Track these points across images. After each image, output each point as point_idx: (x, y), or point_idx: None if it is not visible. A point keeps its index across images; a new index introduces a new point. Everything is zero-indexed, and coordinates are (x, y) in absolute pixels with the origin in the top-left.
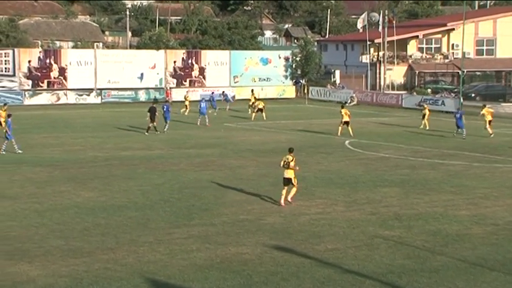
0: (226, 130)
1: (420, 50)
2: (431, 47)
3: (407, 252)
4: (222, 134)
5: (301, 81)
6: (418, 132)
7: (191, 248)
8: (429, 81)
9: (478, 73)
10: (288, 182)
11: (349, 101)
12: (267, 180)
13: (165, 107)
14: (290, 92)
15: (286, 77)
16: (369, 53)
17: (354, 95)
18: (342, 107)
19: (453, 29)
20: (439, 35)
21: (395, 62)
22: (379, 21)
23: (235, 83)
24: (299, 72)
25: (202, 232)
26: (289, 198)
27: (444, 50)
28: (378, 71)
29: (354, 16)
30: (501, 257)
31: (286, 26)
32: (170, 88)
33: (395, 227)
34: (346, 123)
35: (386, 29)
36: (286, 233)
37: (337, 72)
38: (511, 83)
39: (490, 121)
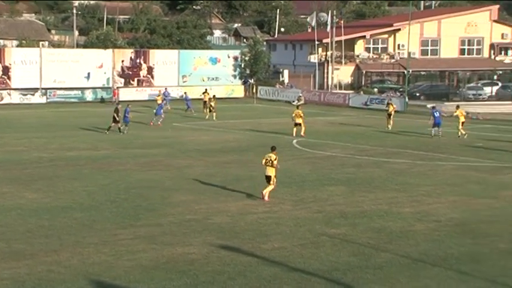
0: (174, 130)
1: (367, 50)
2: (378, 47)
3: (352, 249)
4: (169, 134)
5: (249, 80)
6: (363, 131)
7: (137, 248)
8: (376, 81)
9: (422, 73)
10: (268, 179)
11: (296, 101)
12: (214, 180)
13: (127, 109)
14: (239, 91)
15: (235, 76)
16: (317, 53)
17: (301, 94)
18: (297, 107)
19: (399, 30)
20: (386, 35)
21: (343, 62)
22: (327, 21)
23: (183, 82)
24: (248, 71)
25: (149, 233)
26: (266, 197)
27: (390, 50)
28: (325, 70)
29: (302, 16)
30: (443, 252)
31: (236, 25)
32: (118, 88)
33: (341, 225)
34: (299, 124)
35: (334, 29)
36: (233, 232)
37: (286, 72)
38: (454, 83)
39: (462, 122)
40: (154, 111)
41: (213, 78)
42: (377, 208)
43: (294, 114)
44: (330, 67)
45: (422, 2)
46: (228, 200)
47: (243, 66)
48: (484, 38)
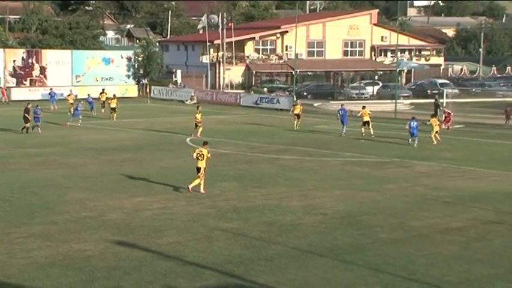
0: (69, 129)
1: (257, 51)
2: (267, 48)
3: (244, 242)
4: (64, 133)
5: (143, 80)
6: (254, 129)
7: (32, 246)
8: (265, 81)
9: (309, 73)
10: (198, 170)
11: (189, 100)
12: (109, 178)
13: (36, 110)
14: (132, 91)
15: (128, 76)
16: (209, 54)
17: (194, 94)
18: (198, 107)
19: (287, 32)
20: (274, 37)
21: (234, 62)
22: (218, 23)
23: (77, 82)
24: (141, 71)
25: (44, 230)
26: (190, 186)
27: (279, 51)
28: (217, 70)
29: (194, 18)
30: (329, 243)
31: (128, 26)
32: (7, 88)
33: (234, 219)
34: (197, 123)
35: (225, 31)
36: (128, 229)
37: (179, 72)
38: (339, 83)
39: (436, 131)
40: (71, 112)
41: (107, 78)
42: (268, 203)
43: (197, 116)
44: (221, 67)
45: (307, 5)
46: (123, 197)
47: (136, 66)
48: (365, 40)
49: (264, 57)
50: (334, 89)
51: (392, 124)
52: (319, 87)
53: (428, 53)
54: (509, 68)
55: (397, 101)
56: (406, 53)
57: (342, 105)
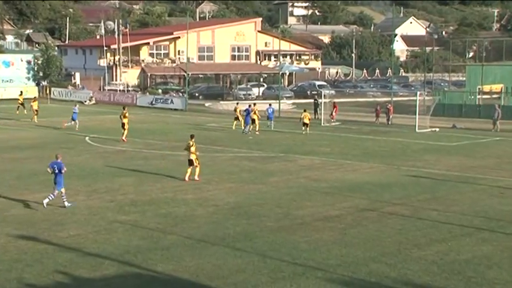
0: None
1: (151, 55)
2: (161, 53)
3: (142, 234)
4: None
5: (43, 82)
6: (150, 127)
7: None
8: (160, 83)
9: (200, 75)
10: (191, 162)
11: (88, 101)
12: (11, 175)
13: None
14: (33, 92)
15: (28, 78)
16: (106, 57)
17: (93, 95)
18: (124, 108)
19: (179, 37)
20: (167, 42)
21: (130, 66)
22: (114, 29)
23: None
24: (41, 74)
25: None
26: (196, 177)
27: (172, 55)
28: (114, 73)
29: (91, 24)
30: (221, 232)
31: (28, 31)
32: None
33: (132, 212)
34: (123, 125)
35: (121, 36)
36: (30, 223)
37: (77, 75)
38: (228, 84)
39: (306, 124)
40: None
41: (7, 81)
42: (164, 196)
43: (124, 119)
44: (118, 70)
45: (197, 13)
46: (25, 193)
47: (36, 69)
48: (251, 45)
49: (158, 60)
50: (224, 90)
51: (277, 122)
52: (209, 88)
53: (307, 57)
54: (378, 71)
55: (281, 101)
56: (288, 57)
57: (270, 104)
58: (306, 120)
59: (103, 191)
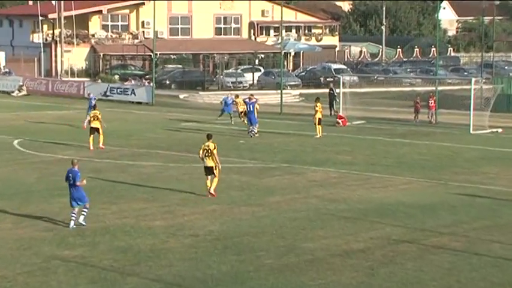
0: None
1: (105, 28)
2: (118, 25)
3: (92, 275)
4: None
5: None
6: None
7: None
8: (116, 66)
9: (173, 56)
10: (210, 171)
11: (17, 91)
12: None
13: None
14: None
15: None
16: (42, 31)
17: (23, 83)
18: (94, 108)
19: (143, 4)
20: (127, 11)
21: (75, 43)
22: None
23: None
24: None
25: None
26: (211, 191)
27: (133, 28)
28: (53, 53)
29: None
30: (201, 273)
31: None
32: None
33: (77, 245)
34: (96, 130)
35: (62, 2)
36: None
37: (2, 55)
38: (210, 68)
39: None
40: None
41: None
42: (122, 222)
43: (91, 117)
44: (59, 49)
45: None
46: None
47: None
48: (242, 15)
49: (114, 36)
50: (205, 77)
51: (278, 121)
52: (185, 74)
53: (320, 31)
54: (417, 50)
55: (284, 91)
56: (293, 31)
57: (250, 97)
58: (319, 115)
59: (38, 216)
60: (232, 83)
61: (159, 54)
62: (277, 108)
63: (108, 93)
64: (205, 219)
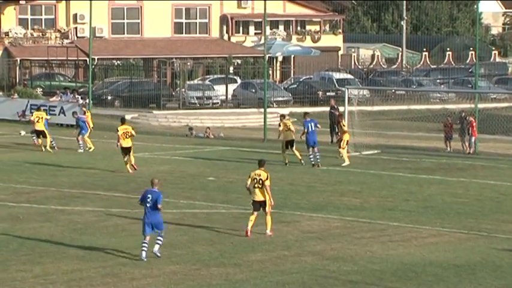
0: None
1: (23, 23)
2: (41, 19)
3: None
4: None
5: None
6: (22, 159)
7: None
8: (39, 76)
9: (117, 62)
10: (259, 206)
11: None
12: None
13: None
14: None
15: None
16: None
17: None
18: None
19: None
20: (53, 1)
21: None
22: None
23: None
24: None
25: None
26: (268, 230)
27: (62, 24)
28: None
29: None
30: None
31: None
32: None
33: None
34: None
35: None
36: None
37: None
38: (168, 79)
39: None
40: None
41: None
42: None
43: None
44: None
45: None
46: None
47: None
48: (212, 6)
49: (35, 34)
50: (161, 90)
51: (261, 150)
52: (133, 86)
53: (317, 28)
54: (449, 54)
55: (269, 110)
56: (281, 28)
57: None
58: (289, 136)
59: None
60: (197, 98)
61: (98, 59)
62: (259, 133)
63: (27, 113)
64: (162, 285)
